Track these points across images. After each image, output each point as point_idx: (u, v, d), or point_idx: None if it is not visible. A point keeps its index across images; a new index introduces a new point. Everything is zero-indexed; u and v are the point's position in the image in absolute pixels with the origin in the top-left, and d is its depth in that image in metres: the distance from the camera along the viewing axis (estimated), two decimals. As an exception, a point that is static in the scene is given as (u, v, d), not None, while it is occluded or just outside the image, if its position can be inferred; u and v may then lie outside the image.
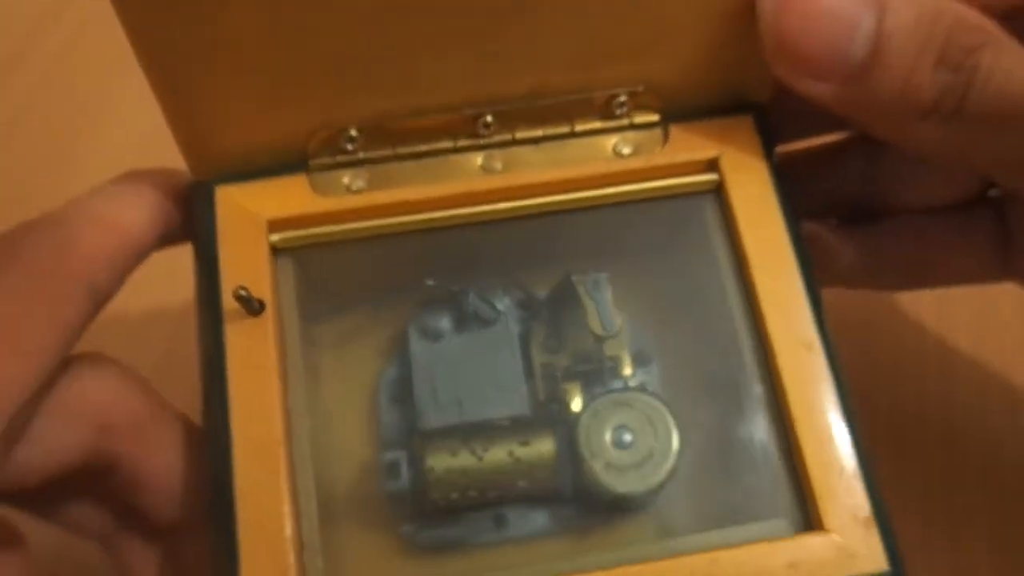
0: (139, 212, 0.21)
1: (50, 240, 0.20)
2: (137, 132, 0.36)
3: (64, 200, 0.35)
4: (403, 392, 0.24)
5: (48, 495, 0.22)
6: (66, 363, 0.21)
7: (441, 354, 0.24)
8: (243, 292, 0.20)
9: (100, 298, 0.21)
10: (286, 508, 0.19)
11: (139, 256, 0.22)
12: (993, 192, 0.27)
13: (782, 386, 0.21)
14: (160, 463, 0.21)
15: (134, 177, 0.22)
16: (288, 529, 0.19)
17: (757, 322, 0.22)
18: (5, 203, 0.36)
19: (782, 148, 0.24)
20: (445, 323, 0.24)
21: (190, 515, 0.22)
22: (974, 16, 0.20)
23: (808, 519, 0.20)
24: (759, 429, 0.21)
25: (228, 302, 0.21)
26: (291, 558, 0.19)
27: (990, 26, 0.20)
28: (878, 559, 0.19)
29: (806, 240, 0.22)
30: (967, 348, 0.31)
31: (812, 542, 0.20)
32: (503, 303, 0.25)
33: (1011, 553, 0.27)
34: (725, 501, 0.22)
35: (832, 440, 0.20)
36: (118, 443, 0.21)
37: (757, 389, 0.21)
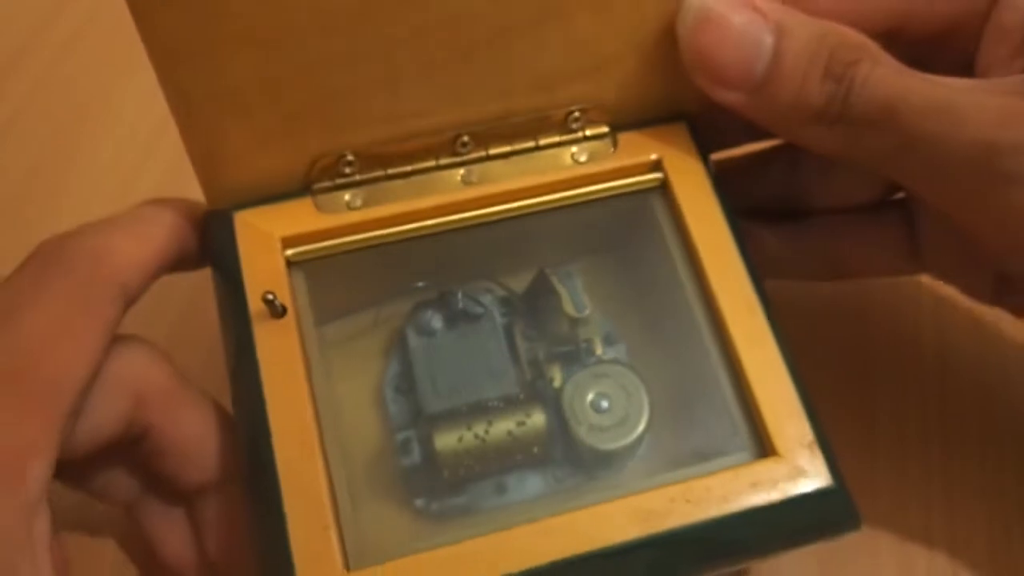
0: (163, 228, 0.25)
1: (88, 248, 0.23)
2: (138, 131, 0.37)
3: (65, 198, 0.36)
4: (406, 384, 0.28)
5: (85, 465, 0.24)
6: None
7: (436, 348, 0.27)
8: (270, 296, 0.23)
9: (130, 300, 0.24)
10: (323, 475, 0.22)
11: (162, 267, 0.25)
12: (901, 194, 0.30)
13: (732, 343, 0.25)
14: (185, 431, 0.24)
15: (158, 202, 0.25)
16: (326, 493, 0.22)
17: (705, 292, 0.25)
18: (6, 200, 0.36)
19: (716, 156, 0.28)
20: (437, 321, 0.28)
21: (210, 479, 0.24)
22: (855, 36, 0.24)
23: (763, 449, 0.24)
24: (716, 381, 0.25)
25: (255, 305, 0.24)
26: (330, 518, 0.22)
27: (868, 43, 0.24)
28: (823, 475, 0.23)
29: None
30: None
31: (768, 465, 0.23)
32: (487, 301, 0.28)
33: (1004, 496, 0.30)
34: (694, 445, 0.26)
35: (777, 382, 0.24)
36: (150, 414, 0.24)
37: (711, 349, 0.25)
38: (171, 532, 0.25)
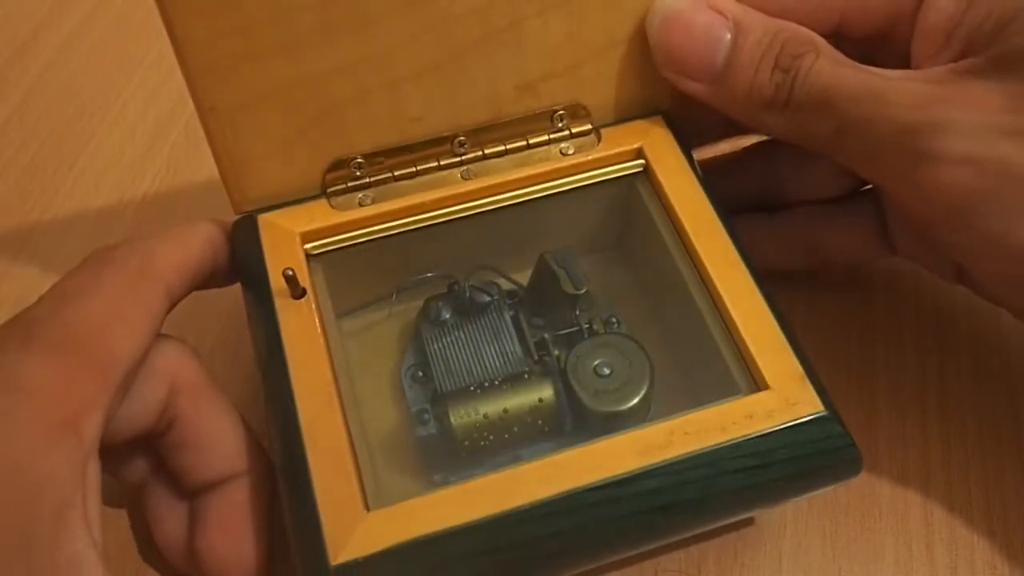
0: (199, 238, 0.27)
1: (137, 250, 0.26)
2: (138, 130, 0.38)
3: (65, 197, 0.37)
4: (421, 372, 0.30)
5: (119, 451, 0.26)
6: None
7: (448, 335, 0.29)
8: (290, 272, 0.26)
9: (173, 299, 0.26)
10: (343, 433, 0.24)
11: (200, 271, 0.27)
12: (871, 185, 0.32)
13: (719, 297, 0.26)
14: (206, 426, 0.26)
15: (196, 220, 0.28)
16: (347, 447, 0.24)
17: (690, 253, 0.27)
18: (6, 199, 0.37)
19: (699, 157, 0.31)
20: (448, 311, 0.30)
21: (216, 477, 0.26)
22: (805, 32, 0.27)
23: (756, 386, 0.25)
24: (708, 334, 0.27)
25: (277, 284, 0.26)
26: (351, 467, 0.24)
27: (816, 39, 0.27)
28: (814, 403, 0.24)
29: None
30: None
31: (761, 398, 0.25)
32: (493, 291, 0.30)
33: (999, 445, 0.31)
34: (695, 395, 0.27)
35: (763, 327, 0.26)
36: (179, 405, 0.25)
37: (701, 305, 0.27)
38: (169, 519, 0.27)
